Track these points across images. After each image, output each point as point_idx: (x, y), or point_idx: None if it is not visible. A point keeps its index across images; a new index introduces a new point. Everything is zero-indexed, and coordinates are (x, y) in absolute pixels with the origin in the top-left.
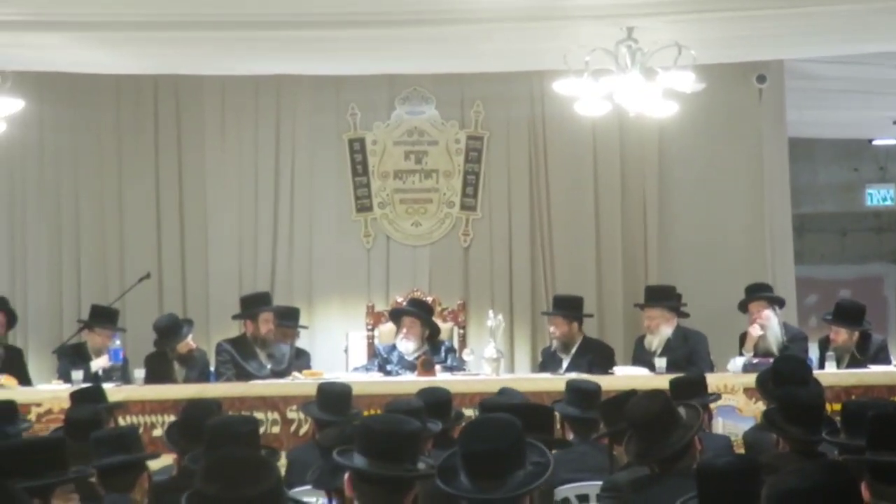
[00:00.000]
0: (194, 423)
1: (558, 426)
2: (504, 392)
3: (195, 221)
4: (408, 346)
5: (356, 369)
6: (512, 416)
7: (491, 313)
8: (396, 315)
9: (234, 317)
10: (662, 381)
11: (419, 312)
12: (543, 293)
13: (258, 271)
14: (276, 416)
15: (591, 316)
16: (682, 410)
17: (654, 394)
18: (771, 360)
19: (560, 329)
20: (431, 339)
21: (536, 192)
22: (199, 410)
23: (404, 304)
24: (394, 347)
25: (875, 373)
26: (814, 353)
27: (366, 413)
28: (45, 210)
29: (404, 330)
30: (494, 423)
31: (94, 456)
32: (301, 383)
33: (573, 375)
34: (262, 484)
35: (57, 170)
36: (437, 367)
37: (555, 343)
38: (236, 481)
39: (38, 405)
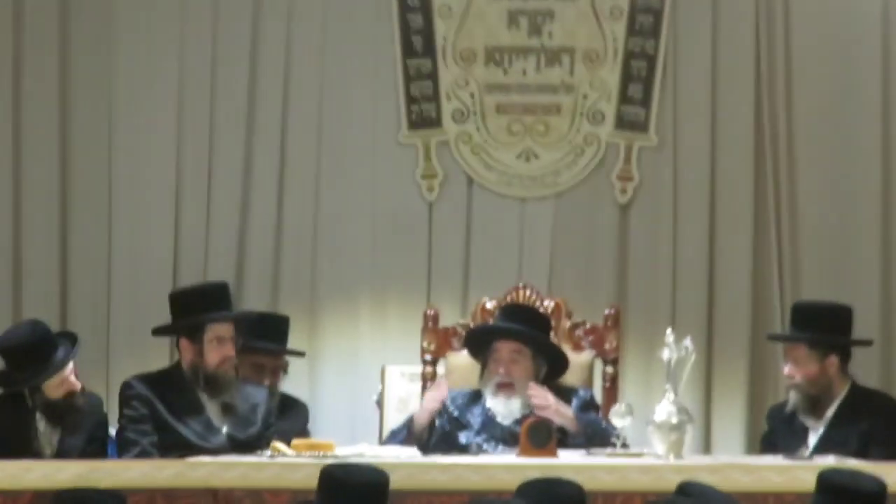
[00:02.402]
0: None
1: None
2: (688, 490)
3: (89, 151)
4: (510, 405)
5: (393, 436)
6: None
7: (669, 333)
8: (478, 338)
9: (157, 331)
10: None
11: (527, 331)
12: (776, 296)
13: (212, 248)
14: None
15: (867, 344)
16: None
17: None
18: None
19: (804, 369)
20: (550, 378)
21: (769, 101)
22: None
23: (495, 313)
24: (475, 398)
25: None
26: None
27: None
28: None
29: (500, 370)
30: None
31: None
32: (289, 464)
33: (830, 461)
34: None
35: None
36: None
37: (793, 397)
38: None
39: None
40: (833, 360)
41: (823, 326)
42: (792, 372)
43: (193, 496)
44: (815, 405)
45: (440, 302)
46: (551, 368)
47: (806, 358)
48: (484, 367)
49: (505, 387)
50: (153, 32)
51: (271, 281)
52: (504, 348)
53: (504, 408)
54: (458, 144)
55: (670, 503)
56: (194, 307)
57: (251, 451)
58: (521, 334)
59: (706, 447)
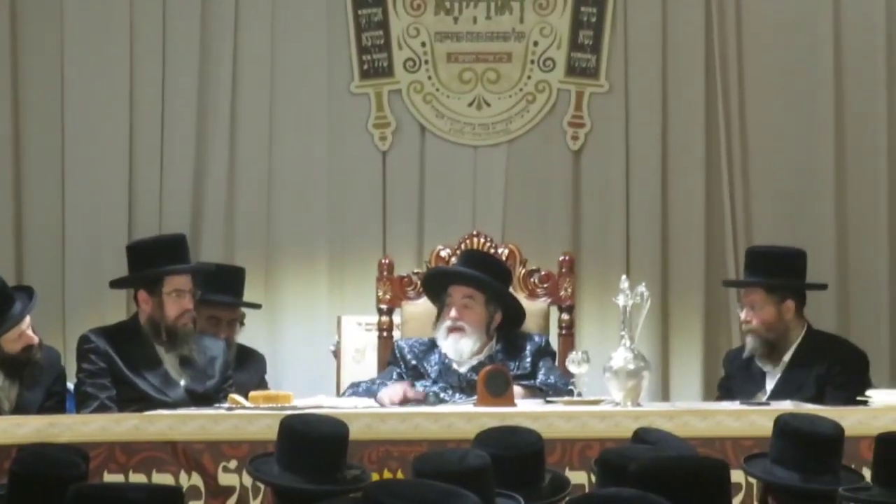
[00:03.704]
0: (34, 496)
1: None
2: (645, 437)
3: (42, 104)
4: (459, 346)
5: (354, 390)
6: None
7: (624, 280)
8: (434, 282)
9: (115, 283)
10: None
11: (480, 277)
12: (730, 240)
13: (166, 200)
14: (197, 480)
15: (822, 287)
16: None
17: None
18: None
19: (761, 314)
20: (507, 329)
21: (719, 44)
22: (45, 469)
23: (452, 259)
24: (431, 347)
25: None
26: None
27: (375, 476)
28: None
29: (451, 314)
30: None
31: None
32: (246, 416)
33: (787, 406)
34: None
35: None
36: (518, 388)
37: (750, 342)
38: None
39: None
40: (790, 305)
41: (779, 271)
42: (749, 317)
43: (152, 449)
44: (772, 350)
45: (395, 251)
46: (508, 318)
47: (763, 302)
48: (440, 311)
49: (455, 330)
50: None
51: (226, 233)
52: (457, 292)
53: (454, 349)
54: (410, 93)
55: (627, 450)
56: (152, 259)
57: (209, 404)
58: (473, 279)
59: (664, 394)
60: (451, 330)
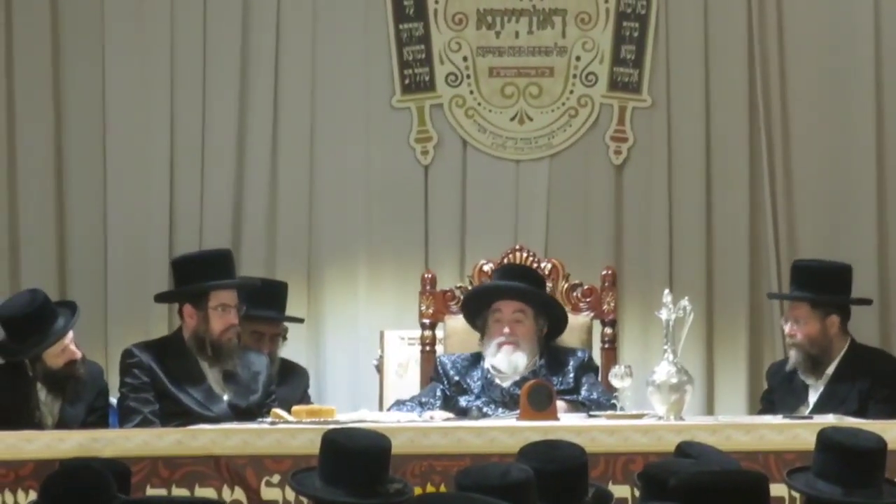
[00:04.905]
0: None
1: None
2: (688, 450)
3: (84, 118)
4: (514, 359)
5: (399, 406)
6: None
7: (667, 294)
8: (482, 298)
9: (160, 297)
10: None
11: (531, 290)
12: (773, 254)
13: (207, 216)
14: (240, 495)
15: (867, 303)
16: None
17: None
18: None
19: (805, 328)
20: (549, 337)
21: (761, 58)
22: (85, 484)
23: (492, 274)
24: (474, 362)
25: None
26: None
27: (418, 491)
28: None
29: (504, 330)
30: None
31: None
32: (289, 430)
33: (830, 420)
34: None
35: None
36: (561, 403)
37: (794, 356)
38: None
39: None
40: (834, 320)
41: (825, 286)
42: (793, 331)
43: (195, 464)
44: (815, 364)
45: (437, 265)
46: (550, 328)
47: (807, 317)
48: (482, 330)
49: (509, 343)
50: None
51: (267, 248)
52: (507, 308)
53: (507, 362)
54: (452, 108)
55: (670, 464)
56: (198, 274)
57: (252, 419)
58: (524, 293)
59: (709, 408)
60: (505, 343)
